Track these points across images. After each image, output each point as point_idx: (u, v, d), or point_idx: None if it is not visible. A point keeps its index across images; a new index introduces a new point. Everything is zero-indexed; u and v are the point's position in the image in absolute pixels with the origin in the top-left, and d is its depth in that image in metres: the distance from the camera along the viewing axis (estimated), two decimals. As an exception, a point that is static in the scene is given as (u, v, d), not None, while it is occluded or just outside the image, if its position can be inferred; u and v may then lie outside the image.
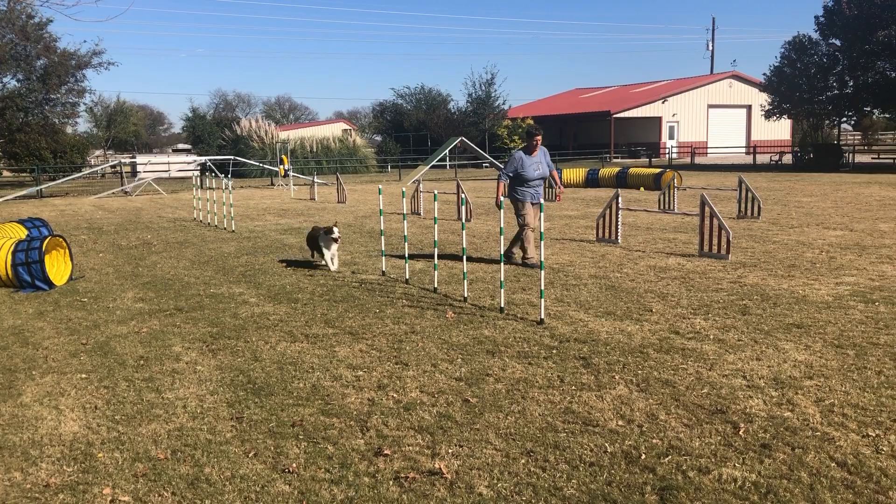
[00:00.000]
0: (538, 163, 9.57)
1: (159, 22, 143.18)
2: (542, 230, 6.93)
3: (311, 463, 3.99)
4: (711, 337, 6.13)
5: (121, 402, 5.01)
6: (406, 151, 49.66)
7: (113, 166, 40.10)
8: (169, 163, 41.06)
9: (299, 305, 7.77)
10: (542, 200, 9.54)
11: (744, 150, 50.14)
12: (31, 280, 8.91)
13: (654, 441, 4.12)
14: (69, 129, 42.09)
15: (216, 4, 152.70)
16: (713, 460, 3.87)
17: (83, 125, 68.01)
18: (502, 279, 7.40)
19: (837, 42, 35.01)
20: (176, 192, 29.05)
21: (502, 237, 7.52)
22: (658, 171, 24.91)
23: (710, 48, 66.99)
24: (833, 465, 3.79)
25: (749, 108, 54.93)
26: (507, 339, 6.21)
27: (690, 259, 9.98)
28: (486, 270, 9.44)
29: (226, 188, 16.45)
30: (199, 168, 37.23)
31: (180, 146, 72.19)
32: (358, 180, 35.71)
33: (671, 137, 53.68)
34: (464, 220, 7.93)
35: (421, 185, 18.62)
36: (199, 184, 20.03)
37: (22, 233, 10.90)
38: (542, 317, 6.76)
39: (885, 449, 3.95)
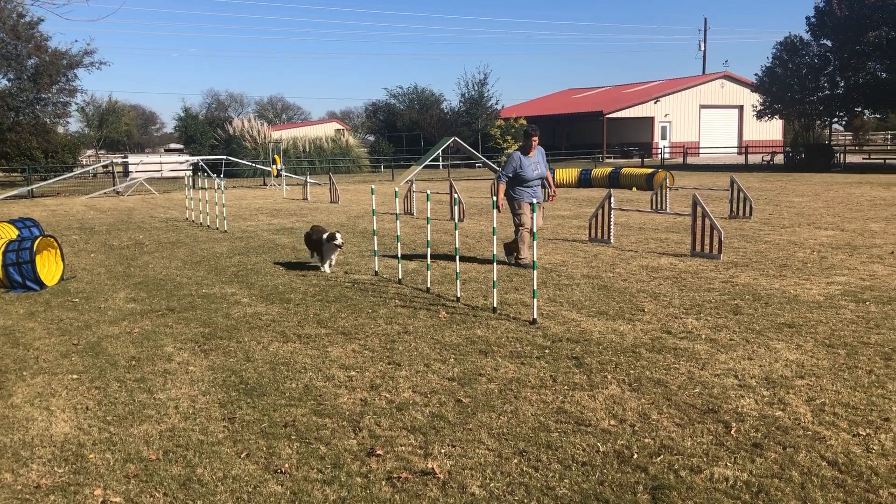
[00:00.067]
0: (536, 163, 9.56)
1: (151, 21, 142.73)
2: (536, 230, 6.94)
3: (304, 463, 3.98)
4: (703, 336, 6.15)
5: (112, 402, 4.99)
6: (399, 151, 49.64)
7: (105, 166, 39.96)
8: (161, 163, 40.94)
9: (292, 306, 7.76)
10: (540, 200, 9.58)
11: (736, 150, 50.33)
12: (21, 280, 8.87)
13: (647, 440, 4.13)
14: (60, 129, 41.88)
15: (209, 4, 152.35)
16: (705, 459, 3.88)
17: (75, 125, 67.79)
18: (495, 279, 7.40)
19: (828, 43, 35.18)
20: (168, 192, 28.98)
21: (495, 237, 7.53)
22: (650, 171, 24.97)
23: (703, 49, 67.26)
24: (824, 464, 3.81)
25: (741, 108, 55.12)
26: (500, 339, 6.21)
27: (682, 259, 10.00)
28: (479, 270, 9.44)
29: (218, 188, 16.41)
30: (191, 168, 37.14)
31: (172, 146, 71.96)
32: (351, 180, 35.68)
33: (663, 137, 53.82)
34: (457, 221, 7.93)
35: (414, 185, 18.62)
36: (191, 184, 19.97)
37: (13, 233, 10.85)
38: (535, 317, 6.77)
39: (875, 448, 3.97)
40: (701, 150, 52.49)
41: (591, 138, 52.74)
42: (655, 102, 53.72)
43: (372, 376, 5.38)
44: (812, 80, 36.21)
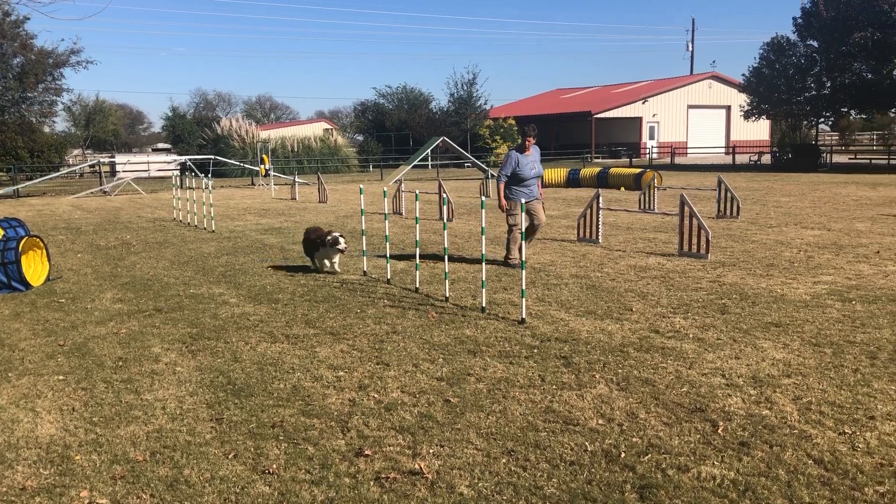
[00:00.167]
0: (533, 161, 9.54)
1: (138, 20, 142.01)
2: (524, 229, 6.94)
3: (292, 464, 3.97)
4: (691, 336, 6.18)
5: (99, 403, 4.96)
6: (388, 151, 49.59)
7: (91, 166, 39.74)
8: (148, 162, 40.73)
9: (280, 306, 7.73)
10: (538, 197, 9.55)
11: (723, 150, 50.54)
12: (7, 281, 8.80)
13: (634, 439, 4.15)
14: (47, 129, 41.62)
15: (197, 3, 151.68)
16: (692, 458, 3.90)
17: (61, 124, 67.47)
18: (484, 279, 7.41)
19: (815, 43, 35.40)
20: (155, 192, 28.83)
21: (484, 237, 7.53)
22: (638, 171, 25.05)
23: (690, 49, 67.51)
24: (810, 462, 3.83)
25: (728, 108, 55.39)
26: (489, 339, 6.21)
27: (670, 258, 10.04)
28: (468, 270, 9.45)
29: (206, 188, 16.34)
30: (178, 168, 36.97)
31: (160, 145, 71.61)
32: (339, 180, 35.62)
33: (651, 138, 54.02)
34: (445, 220, 7.93)
35: (403, 184, 18.60)
36: (178, 183, 19.89)
37: (-2, 233, 10.77)
38: (524, 316, 6.77)
39: (860, 446, 4.00)
40: (689, 151, 52.70)
41: (580, 138, 52.86)
42: (643, 102, 53.90)
43: (360, 376, 5.37)
44: (799, 81, 36.44)
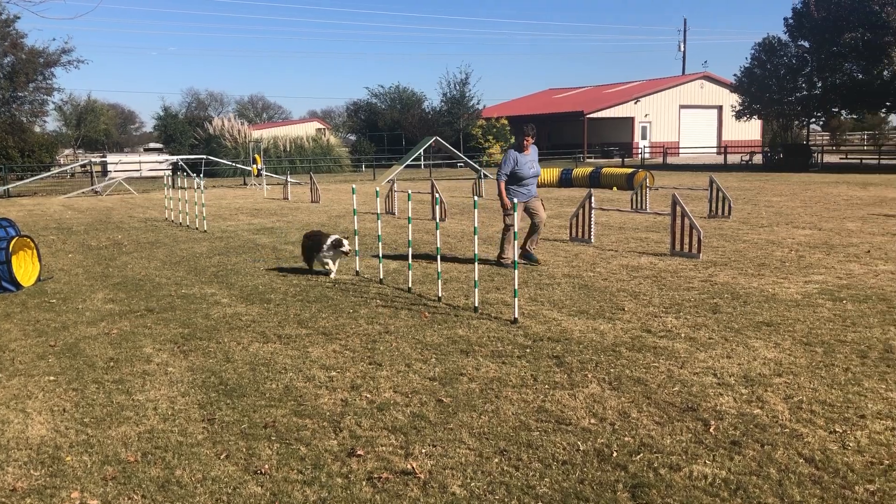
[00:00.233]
0: (532, 161, 9.53)
1: (130, 20, 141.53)
2: (516, 229, 6.94)
3: (284, 464, 3.97)
4: (683, 335, 6.19)
5: (90, 404, 4.94)
6: (380, 151, 49.58)
7: (83, 165, 39.57)
8: (140, 162, 40.62)
9: (272, 306, 7.72)
10: (535, 195, 9.54)
11: (715, 150, 50.71)
12: (-3, 281, 8.75)
13: (626, 439, 4.16)
14: (37, 128, 41.46)
15: (188, 3, 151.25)
16: (684, 457, 3.91)
17: (52, 124, 67.13)
18: (476, 279, 7.41)
19: (806, 44, 35.56)
20: (147, 192, 28.74)
21: (476, 237, 7.54)
22: (631, 171, 25.10)
23: (682, 49, 67.72)
24: (801, 461, 3.84)
25: (720, 108, 55.57)
26: (481, 339, 6.22)
27: (662, 258, 10.06)
28: (461, 270, 9.45)
29: (198, 188, 16.30)
30: (170, 167, 36.87)
31: (152, 145, 71.39)
32: (332, 180, 35.57)
33: (644, 137, 54.15)
34: (438, 220, 7.92)
35: (395, 184, 18.59)
36: (170, 183, 19.82)
37: (-12, 233, 10.70)
38: (516, 316, 6.78)
39: (851, 445, 4.02)
40: (681, 150, 52.85)
41: (572, 138, 52.95)
42: (636, 102, 54.04)
43: (353, 376, 5.36)
44: (790, 81, 36.59)
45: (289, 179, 25.61)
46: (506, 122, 50.07)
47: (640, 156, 48.45)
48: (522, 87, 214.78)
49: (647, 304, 7.37)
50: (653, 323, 6.61)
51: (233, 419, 4.61)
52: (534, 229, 9.73)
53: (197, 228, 15.14)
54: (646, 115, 54.42)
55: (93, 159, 39.48)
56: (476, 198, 7.87)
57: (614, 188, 23.73)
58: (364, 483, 3.73)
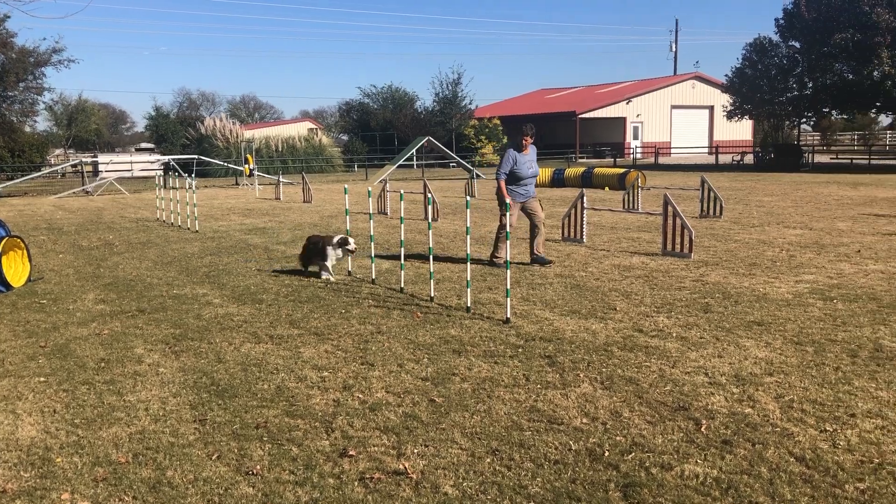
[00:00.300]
0: (531, 161, 9.52)
1: (121, 19, 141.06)
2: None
3: (276, 465, 3.96)
4: (674, 335, 6.21)
5: (80, 405, 4.92)
6: (373, 151, 49.53)
7: (74, 165, 39.41)
8: (131, 162, 40.46)
9: (264, 306, 7.70)
10: (534, 195, 9.51)
11: (706, 150, 50.88)
12: (-13, 282, 8.71)
13: (618, 438, 4.16)
14: (28, 128, 41.24)
15: (180, 2, 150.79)
16: (676, 457, 3.92)
17: (43, 123, 66.86)
18: (469, 279, 7.41)
19: (797, 44, 35.70)
20: (138, 192, 28.64)
21: (469, 237, 7.54)
22: (622, 171, 25.16)
23: (674, 49, 67.91)
24: (792, 459, 3.86)
25: (711, 108, 55.76)
26: (474, 339, 6.22)
27: (654, 258, 10.09)
28: (453, 270, 9.45)
29: (189, 188, 16.25)
30: (162, 167, 36.75)
31: (143, 145, 71.15)
32: (324, 180, 35.52)
33: (635, 138, 54.28)
34: (430, 220, 7.92)
35: (387, 184, 18.58)
36: (162, 183, 19.76)
37: (-22, 233, 10.64)
38: (509, 316, 6.78)
39: (841, 443, 4.03)
40: (672, 150, 53.01)
41: (564, 138, 53.03)
42: (627, 103, 54.16)
43: (345, 377, 5.36)
44: (781, 81, 36.73)
45: (281, 179, 25.56)
46: (498, 122, 50.11)
47: (631, 156, 48.61)
48: (515, 88, 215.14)
49: (639, 303, 7.38)
50: (644, 322, 6.63)
51: (224, 420, 4.59)
52: (534, 230, 9.68)
53: (188, 228, 15.10)
54: (637, 116, 54.54)
55: (84, 159, 39.33)
56: (468, 198, 7.87)
57: (606, 188, 23.77)
58: (356, 483, 3.73)
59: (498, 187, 9.52)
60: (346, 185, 10.27)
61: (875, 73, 32.41)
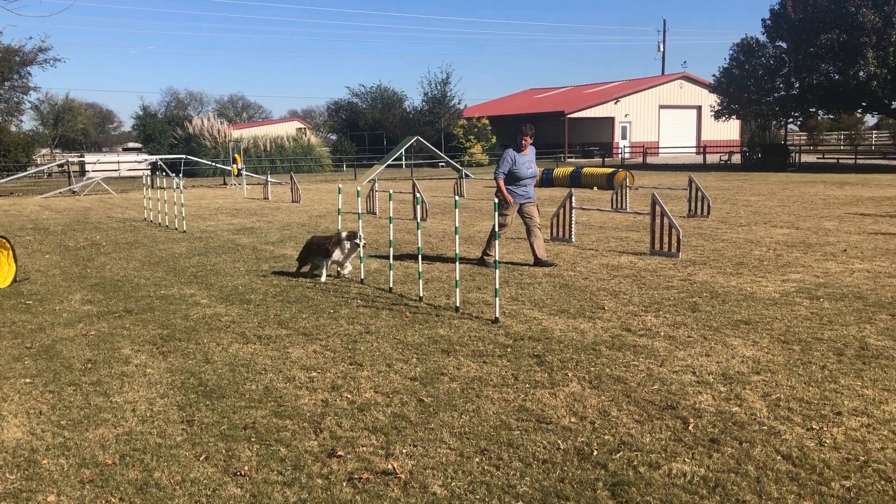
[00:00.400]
0: (530, 161, 9.46)
1: (108, 18, 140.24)
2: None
3: (264, 465, 3.95)
4: (662, 334, 6.23)
5: (67, 406, 4.89)
6: (361, 150, 49.45)
7: (60, 165, 39.14)
8: (119, 162, 40.23)
9: (252, 306, 7.68)
10: (533, 198, 9.44)
11: (694, 150, 51.09)
12: (-28, 282, 8.64)
13: (606, 437, 4.17)
14: (13, 127, 40.97)
15: (167, 1, 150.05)
16: (663, 455, 3.93)
17: (29, 123, 66.40)
18: (458, 278, 7.41)
19: (784, 45, 35.88)
20: (126, 192, 28.49)
21: (458, 237, 7.54)
22: (611, 170, 25.23)
23: (662, 49, 68.12)
24: (779, 458, 3.88)
25: (699, 108, 55.99)
26: (463, 339, 6.22)
27: (642, 257, 10.12)
28: (442, 270, 9.45)
29: (177, 188, 16.18)
30: (149, 167, 36.56)
31: (130, 145, 70.78)
32: (312, 179, 35.45)
33: (624, 137, 54.44)
34: (419, 220, 7.92)
35: (376, 184, 18.56)
36: (149, 183, 19.66)
37: (-37, 234, 10.56)
38: (497, 315, 6.79)
39: (827, 441, 4.06)
40: (660, 150, 53.19)
41: (553, 138, 53.10)
42: (616, 103, 54.31)
43: (333, 377, 5.35)
44: (768, 81, 36.91)
45: (269, 179, 25.48)
46: (487, 121, 50.12)
47: (620, 156, 48.72)
48: (504, 87, 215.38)
49: (627, 302, 7.41)
50: (632, 322, 6.65)
51: (212, 420, 4.57)
52: (530, 234, 9.55)
53: (176, 229, 15.03)
54: (626, 115, 54.71)
55: (70, 159, 39.07)
56: (457, 197, 7.88)
57: (595, 188, 23.83)
58: (344, 484, 3.72)
59: (497, 187, 9.49)
60: (339, 185, 10.25)
61: (861, 73, 32.65)
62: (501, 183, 9.43)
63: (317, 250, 9.03)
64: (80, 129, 70.97)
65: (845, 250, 10.28)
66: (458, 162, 38.78)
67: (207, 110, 78.67)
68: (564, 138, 51.59)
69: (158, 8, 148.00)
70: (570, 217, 11.65)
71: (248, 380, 5.32)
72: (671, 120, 56.42)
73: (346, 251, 8.85)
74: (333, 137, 59.31)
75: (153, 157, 37.55)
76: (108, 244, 12.95)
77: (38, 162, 46.33)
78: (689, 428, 4.27)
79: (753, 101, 37.62)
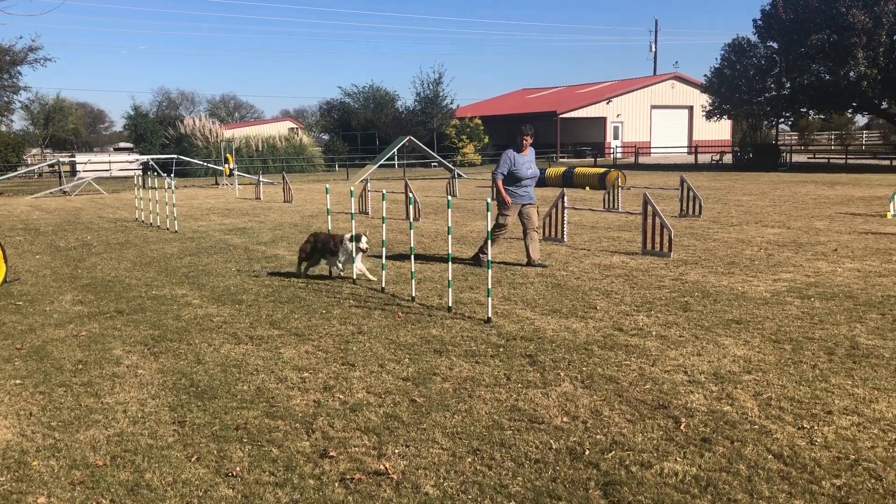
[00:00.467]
0: (530, 161, 9.39)
1: (99, 17, 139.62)
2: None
3: (256, 466, 3.94)
4: (654, 333, 6.24)
5: (57, 407, 4.87)
6: (354, 150, 49.41)
7: (51, 165, 38.97)
8: (110, 162, 40.07)
9: (244, 307, 7.66)
10: (533, 201, 9.37)
11: (686, 149, 51.20)
12: (-38, 283, 8.59)
13: (598, 437, 4.18)
14: (4, 127, 40.78)
15: (158, 0, 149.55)
16: (655, 455, 3.94)
17: (19, 123, 66.06)
18: (450, 278, 7.41)
19: (775, 45, 36.01)
20: (117, 192, 28.38)
21: (450, 236, 7.53)
22: (603, 170, 25.26)
23: (653, 50, 68.25)
24: (770, 457, 3.89)
25: (691, 108, 56.11)
26: (455, 339, 6.22)
27: (634, 257, 10.14)
28: (435, 270, 9.44)
29: (169, 188, 16.13)
30: (141, 167, 36.43)
31: (122, 145, 70.51)
32: (304, 179, 35.38)
33: (616, 137, 54.53)
34: (412, 220, 7.91)
35: (369, 184, 18.54)
36: (141, 183, 19.59)
37: (-47, 234, 10.51)
38: (490, 315, 6.79)
39: (818, 440, 4.07)
40: (652, 150, 53.30)
41: (545, 138, 53.04)
42: (608, 103, 54.38)
43: (325, 377, 5.34)
44: (759, 82, 37.02)
45: (261, 179, 25.43)
46: (479, 121, 50.13)
47: (612, 155, 48.82)
48: (496, 87, 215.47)
49: (619, 302, 7.42)
50: (624, 321, 6.66)
51: (204, 421, 4.56)
52: (526, 236, 9.52)
53: (168, 229, 14.98)
54: (618, 115, 54.79)
55: (61, 159, 38.91)
56: (450, 197, 7.88)
57: (587, 188, 23.86)
58: (337, 484, 3.71)
59: (496, 187, 9.45)
60: (327, 185, 10.23)
61: (851, 73, 32.77)
62: (500, 183, 9.38)
63: (322, 248, 8.97)
64: (70, 128, 70.67)
65: (836, 250, 10.32)
66: (450, 162, 38.79)
67: (199, 110, 78.56)
68: (557, 138, 51.63)
69: (150, 7, 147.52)
70: (563, 217, 11.66)
71: (240, 380, 5.30)
72: (663, 120, 56.53)
73: (354, 250, 8.75)
74: (325, 137, 59.23)
75: (144, 157, 37.43)
76: (99, 244, 12.90)
77: (29, 162, 46.10)
78: (681, 427, 4.28)
79: (745, 101, 37.73)
